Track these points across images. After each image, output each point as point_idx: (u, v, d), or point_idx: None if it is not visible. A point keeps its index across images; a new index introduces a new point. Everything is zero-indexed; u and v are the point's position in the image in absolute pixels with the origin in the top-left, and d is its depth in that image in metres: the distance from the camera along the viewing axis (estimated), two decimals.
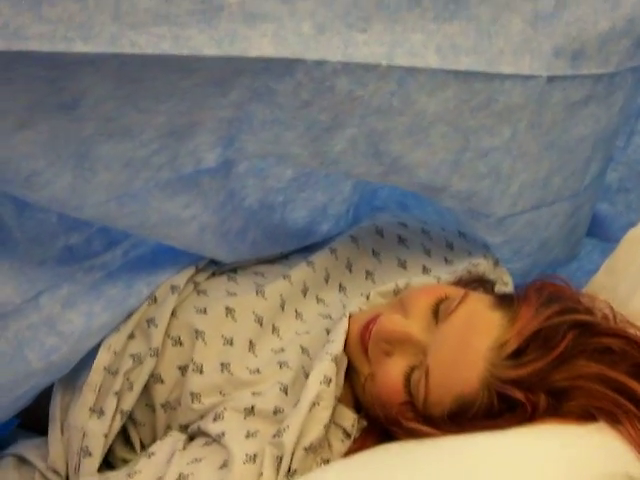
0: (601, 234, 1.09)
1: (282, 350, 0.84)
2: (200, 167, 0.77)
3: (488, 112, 0.81)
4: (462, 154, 0.82)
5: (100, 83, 0.68)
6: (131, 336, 0.84)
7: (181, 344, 0.83)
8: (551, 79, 0.83)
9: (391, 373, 0.77)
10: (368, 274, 0.91)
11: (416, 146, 0.80)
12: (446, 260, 0.92)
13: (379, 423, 0.78)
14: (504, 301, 0.78)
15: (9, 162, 0.69)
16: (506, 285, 0.91)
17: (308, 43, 0.72)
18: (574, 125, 0.87)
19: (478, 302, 0.78)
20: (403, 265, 0.91)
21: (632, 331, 0.77)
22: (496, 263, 0.93)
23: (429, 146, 0.80)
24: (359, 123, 0.77)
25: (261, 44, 0.70)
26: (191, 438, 0.81)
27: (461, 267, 0.89)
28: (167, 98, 0.71)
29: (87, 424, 0.80)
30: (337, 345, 0.79)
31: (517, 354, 0.73)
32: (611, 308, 0.81)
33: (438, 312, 0.78)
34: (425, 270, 0.91)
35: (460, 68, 0.79)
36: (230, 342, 0.83)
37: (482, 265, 0.91)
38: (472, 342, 0.74)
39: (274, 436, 0.75)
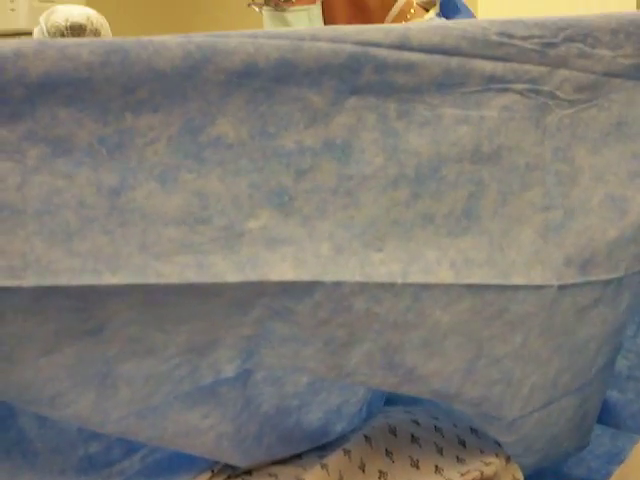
0: (611, 421, 1.09)
1: None
2: (219, 377, 0.78)
3: (501, 321, 0.83)
4: (475, 362, 0.84)
5: (126, 310, 0.70)
6: None
7: None
8: (562, 287, 0.85)
9: None
10: (381, 474, 0.91)
11: (431, 357, 0.81)
12: (458, 459, 0.93)
13: None
14: None
15: (33, 384, 0.70)
16: None
17: (326, 265, 0.75)
18: (583, 327, 0.89)
19: None
20: (416, 465, 0.92)
21: None
22: (508, 460, 0.93)
23: (443, 356, 0.82)
24: (375, 338, 0.78)
25: (281, 268, 0.73)
26: None
27: (473, 467, 0.90)
28: (189, 319, 0.73)
29: None
30: None
31: None
32: None
33: None
34: (437, 470, 0.91)
35: (474, 282, 0.81)
36: None
37: (494, 464, 0.91)
38: None
39: None
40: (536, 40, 0.86)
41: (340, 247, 0.76)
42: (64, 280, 0.66)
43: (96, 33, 2.59)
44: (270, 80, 0.74)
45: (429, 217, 0.80)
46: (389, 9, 1.45)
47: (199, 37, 0.73)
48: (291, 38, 0.76)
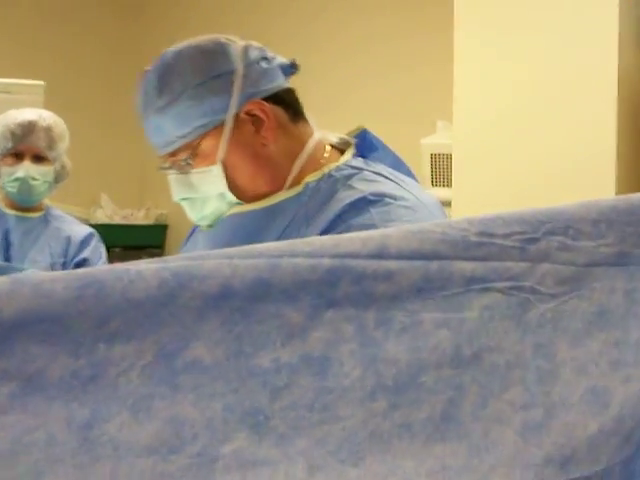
0: None
1: None
2: None
3: None
4: None
5: None
6: None
7: None
8: None
9: None
10: None
11: None
12: None
13: None
14: None
15: None
16: None
17: None
18: None
19: None
20: None
21: None
22: None
23: None
24: None
25: None
26: None
27: None
28: None
29: None
30: None
31: None
32: None
33: None
34: None
35: None
36: None
37: None
38: None
39: None
40: (517, 237, 0.86)
41: (315, 466, 0.75)
42: None
43: (47, 130, 2.60)
44: (246, 300, 0.75)
45: (407, 426, 0.79)
46: (294, 158, 1.45)
47: (175, 262, 0.73)
48: (268, 256, 0.76)
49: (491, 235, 0.85)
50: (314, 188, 1.43)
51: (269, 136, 1.43)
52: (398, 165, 1.55)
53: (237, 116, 1.42)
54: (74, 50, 5.43)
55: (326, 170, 1.45)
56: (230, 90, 1.42)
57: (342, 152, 1.51)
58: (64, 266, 2.63)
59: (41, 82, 3.16)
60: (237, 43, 1.47)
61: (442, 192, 3.32)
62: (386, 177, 1.46)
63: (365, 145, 1.52)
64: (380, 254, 0.79)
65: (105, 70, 5.52)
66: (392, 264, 0.80)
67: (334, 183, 1.43)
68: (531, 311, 0.86)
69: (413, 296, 0.80)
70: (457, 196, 3.11)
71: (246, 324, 0.74)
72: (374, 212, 1.36)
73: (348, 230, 1.33)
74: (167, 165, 1.47)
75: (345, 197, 1.39)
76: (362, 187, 1.41)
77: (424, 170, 3.53)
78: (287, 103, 1.48)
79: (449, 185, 3.30)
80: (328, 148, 1.50)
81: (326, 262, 0.77)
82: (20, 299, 0.67)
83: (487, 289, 0.84)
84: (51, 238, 2.66)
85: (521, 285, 0.86)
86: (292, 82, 1.49)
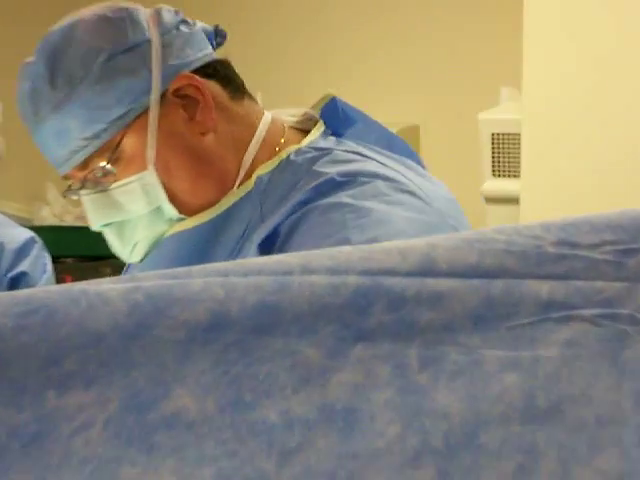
0: None
1: None
2: None
3: None
4: None
5: None
6: None
7: None
8: None
9: None
10: None
11: None
12: None
13: None
14: None
15: None
16: None
17: None
18: None
19: None
20: None
21: None
22: None
23: None
24: None
25: None
26: None
27: None
28: None
29: None
30: None
31: None
32: None
33: None
34: None
35: None
36: None
37: None
38: None
39: None
40: (610, 247, 0.86)
41: None
42: None
43: None
44: (246, 332, 0.75)
45: None
46: (243, 147, 1.44)
47: (149, 280, 0.73)
48: (275, 273, 0.76)
49: (574, 245, 0.85)
50: (268, 181, 1.42)
51: (207, 121, 1.42)
52: (390, 142, 1.52)
53: (163, 99, 1.41)
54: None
55: (284, 155, 1.44)
56: (148, 65, 1.41)
57: (306, 133, 1.49)
58: None
59: None
60: (143, 9, 1.46)
61: (507, 184, 3.32)
62: (366, 156, 1.43)
63: (338, 119, 1.49)
64: (425, 270, 0.80)
65: None
66: (442, 284, 0.80)
67: (295, 171, 1.41)
68: (630, 348, 0.86)
69: (470, 327, 0.80)
70: (527, 191, 3.10)
71: (246, 364, 0.74)
72: (343, 195, 1.33)
73: (306, 214, 1.31)
74: (77, 185, 1.44)
75: (308, 184, 1.36)
76: (330, 170, 1.38)
77: (483, 154, 3.52)
78: (224, 77, 1.47)
79: (516, 175, 3.29)
80: (287, 129, 1.49)
81: (353, 281, 0.77)
82: None
83: (570, 318, 0.84)
84: None
85: (617, 313, 0.86)
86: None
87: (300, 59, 4.84)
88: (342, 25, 4.71)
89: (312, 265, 0.77)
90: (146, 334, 0.72)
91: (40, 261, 2.71)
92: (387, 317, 0.78)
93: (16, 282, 2.60)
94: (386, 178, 1.36)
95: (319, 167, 1.39)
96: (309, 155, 1.42)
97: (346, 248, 0.80)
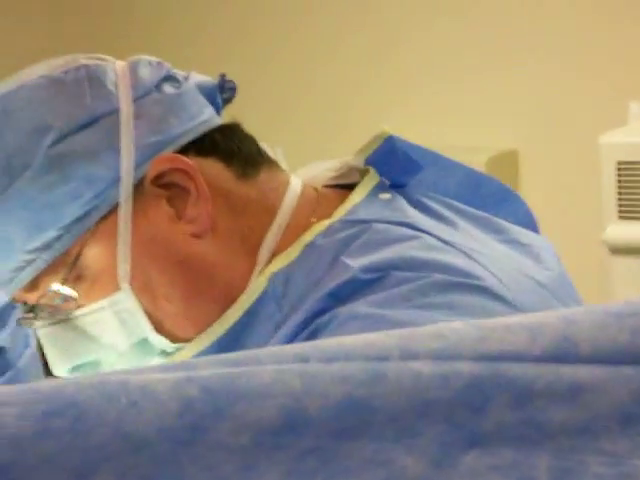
0: None
1: None
2: None
3: None
4: None
5: None
6: None
7: None
8: None
9: None
10: None
11: None
12: None
13: None
14: None
15: None
16: None
17: None
18: None
19: None
20: None
21: None
22: None
23: None
24: None
25: None
26: None
27: None
28: None
29: None
30: None
31: None
32: None
33: None
34: None
35: None
36: None
37: None
38: None
39: None
40: None
41: None
42: None
43: None
44: (328, 435, 0.66)
45: None
46: (257, 244, 1.13)
47: (206, 367, 0.65)
48: (367, 358, 0.67)
49: None
50: (286, 281, 1.11)
51: (202, 217, 1.11)
52: (478, 185, 1.23)
53: (139, 191, 1.11)
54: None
55: (307, 239, 1.13)
56: (115, 145, 1.10)
57: (350, 190, 1.18)
58: None
59: None
60: (114, 63, 1.16)
61: (638, 230, 3.10)
62: (422, 230, 1.11)
63: (398, 165, 1.17)
64: (561, 355, 0.70)
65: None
66: (582, 372, 0.70)
67: (318, 261, 1.11)
68: None
69: (617, 429, 0.71)
70: None
71: (326, 476, 0.65)
72: (363, 303, 1.03)
73: (320, 329, 1.03)
74: (27, 308, 1.13)
75: (327, 285, 1.06)
76: (356, 262, 1.07)
77: (605, 189, 3.31)
78: (226, 150, 1.16)
79: None
80: (321, 196, 1.18)
81: (466, 368, 0.68)
82: None
83: None
84: None
85: None
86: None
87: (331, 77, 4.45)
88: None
89: (414, 347, 0.68)
90: (201, 439, 0.64)
91: (21, 332, 2.40)
92: (510, 417, 0.69)
93: None
94: (440, 267, 1.06)
95: (347, 256, 1.09)
96: (341, 235, 1.12)
97: (458, 324, 0.71)
